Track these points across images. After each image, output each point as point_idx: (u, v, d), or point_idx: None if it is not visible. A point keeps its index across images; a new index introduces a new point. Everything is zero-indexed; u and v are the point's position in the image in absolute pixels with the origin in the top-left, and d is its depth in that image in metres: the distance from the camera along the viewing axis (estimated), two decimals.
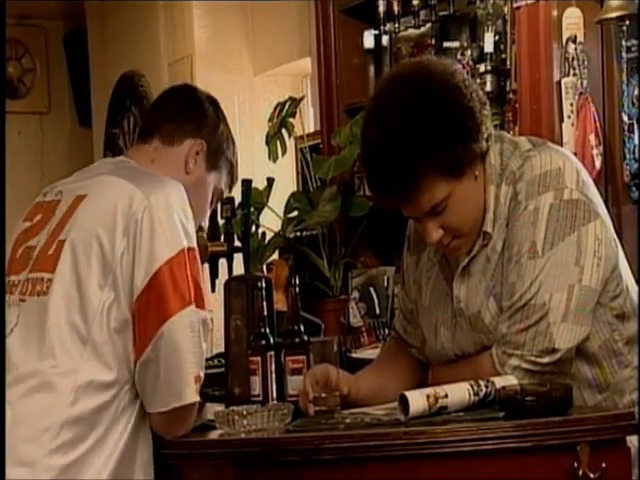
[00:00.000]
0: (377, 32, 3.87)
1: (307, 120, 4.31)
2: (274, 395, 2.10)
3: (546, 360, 1.80)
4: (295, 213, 3.73)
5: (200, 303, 1.84)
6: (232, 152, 2.10)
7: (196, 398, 1.83)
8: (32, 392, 1.78)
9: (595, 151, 2.97)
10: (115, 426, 1.80)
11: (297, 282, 2.18)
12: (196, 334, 1.82)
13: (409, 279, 2.07)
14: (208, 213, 2.10)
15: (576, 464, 1.64)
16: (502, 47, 3.28)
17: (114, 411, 1.80)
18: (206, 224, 2.17)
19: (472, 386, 1.76)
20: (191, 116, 2.03)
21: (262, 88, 4.79)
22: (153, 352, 1.80)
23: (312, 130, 4.26)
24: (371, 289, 3.69)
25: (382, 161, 1.81)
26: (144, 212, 1.80)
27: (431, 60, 1.95)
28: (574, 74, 3.00)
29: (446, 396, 1.74)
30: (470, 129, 1.83)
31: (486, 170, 1.88)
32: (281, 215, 3.73)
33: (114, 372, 1.80)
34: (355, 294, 3.72)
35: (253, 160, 4.58)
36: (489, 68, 3.27)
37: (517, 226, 1.84)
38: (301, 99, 3.89)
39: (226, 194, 2.15)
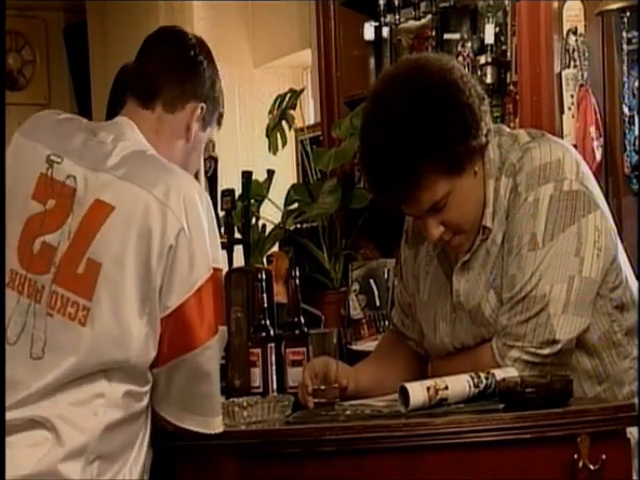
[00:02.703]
0: (377, 24, 3.86)
1: (307, 112, 4.31)
2: (274, 387, 2.10)
3: (546, 351, 1.80)
4: (295, 205, 3.73)
5: (222, 320, 1.82)
6: (223, 104, 2.02)
7: (221, 428, 1.81)
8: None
9: (595, 143, 2.97)
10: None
11: (297, 274, 2.18)
12: (219, 358, 1.82)
13: (407, 273, 2.07)
14: (198, 166, 2.06)
15: (576, 455, 1.64)
16: (502, 39, 3.28)
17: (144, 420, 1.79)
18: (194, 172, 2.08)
19: (472, 378, 1.76)
20: (191, 77, 1.94)
21: (262, 80, 4.79)
22: (170, 371, 1.77)
23: (312, 122, 4.26)
24: (371, 281, 3.69)
25: (382, 161, 1.81)
26: (178, 237, 1.74)
27: (428, 57, 1.94)
28: (575, 66, 3.00)
29: (446, 388, 1.74)
30: (470, 126, 1.82)
31: (485, 164, 1.88)
32: (281, 207, 3.73)
33: (146, 386, 1.78)
34: (355, 286, 3.72)
35: (253, 152, 4.58)
36: (489, 60, 3.27)
37: (517, 218, 1.84)
38: (301, 91, 3.89)
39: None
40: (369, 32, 3.96)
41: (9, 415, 1.73)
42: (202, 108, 1.94)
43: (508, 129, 1.97)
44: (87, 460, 1.71)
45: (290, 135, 3.92)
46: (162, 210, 1.75)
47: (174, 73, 1.94)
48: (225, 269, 2.44)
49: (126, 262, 1.74)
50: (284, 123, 3.80)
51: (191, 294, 1.75)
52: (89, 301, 1.74)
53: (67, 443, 1.71)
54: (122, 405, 1.74)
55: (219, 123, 2.03)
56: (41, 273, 1.80)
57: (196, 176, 2.00)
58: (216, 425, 1.81)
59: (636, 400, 1.80)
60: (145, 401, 1.78)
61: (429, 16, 3.60)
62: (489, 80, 3.25)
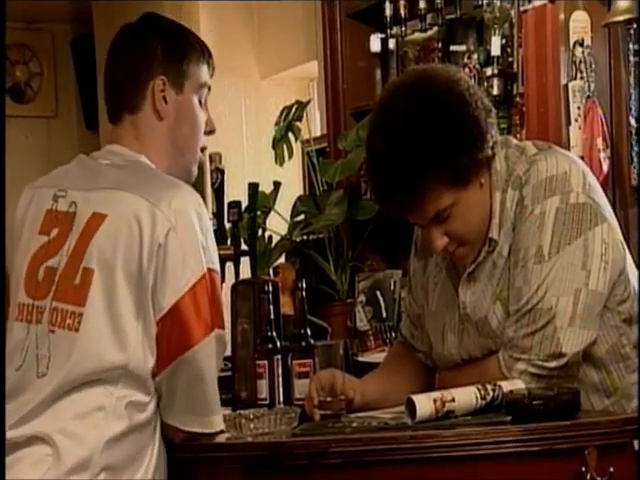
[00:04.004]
0: (384, 36, 3.87)
1: (314, 124, 4.31)
2: (281, 399, 2.10)
3: (553, 364, 1.79)
4: (302, 217, 3.73)
5: (220, 322, 1.82)
6: (191, 47, 1.95)
7: (222, 426, 1.82)
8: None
9: (602, 154, 2.96)
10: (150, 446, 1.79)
11: (304, 286, 2.18)
12: (217, 359, 1.82)
13: (416, 284, 2.07)
14: (203, 120, 1.96)
15: (584, 468, 1.64)
16: (509, 50, 3.27)
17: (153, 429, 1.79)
18: (213, 127, 2.00)
19: (479, 390, 1.76)
20: (139, 65, 1.92)
21: (269, 92, 4.80)
22: (171, 375, 1.78)
23: (319, 134, 4.26)
24: (378, 293, 3.69)
25: (385, 169, 1.81)
26: (167, 236, 1.75)
27: (435, 68, 1.94)
28: (581, 77, 3.00)
29: (453, 400, 1.74)
30: (475, 138, 1.82)
31: (492, 176, 1.88)
32: (287, 219, 3.73)
33: (148, 395, 1.78)
34: (362, 298, 3.72)
35: (260, 164, 4.58)
36: (496, 72, 3.26)
37: (523, 230, 1.84)
38: (308, 103, 3.90)
39: (210, 79, 1.99)
40: (375, 44, 3.96)
41: (11, 433, 1.73)
42: (162, 80, 1.91)
43: (515, 141, 1.97)
44: (92, 474, 1.71)
45: (296, 147, 3.93)
46: (151, 210, 1.77)
47: (125, 77, 1.94)
48: (232, 281, 2.45)
49: (117, 264, 1.76)
50: (290, 135, 3.81)
51: (185, 292, 1.76)
52: (83, 307, 1.76)
53: (67, 459, 1.70)
54: (125, 416, 1.74)
55: (209, 67, 1.95)
56: (44, 297, 1.82)
57: (198, 189, 1.96)
58: (217, 423, 1.81)
59: (634, 408, 1.80)
60: (149, 412, 1.78)
61: (435, 28, 3.60)
62: (495, 92, 3.24)
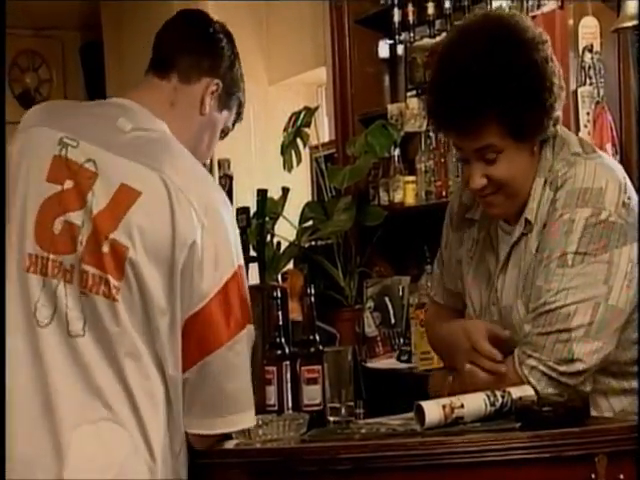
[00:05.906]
0: (392, 41, 3.88)
1: (322, 129, 4.32)
2: (289, 405, 2.09)
3: (563, 369, 1.79)
4: (310, 223, 3.74)
5: (250, 317, 1.82)
6: (243, 91, 2.01)
7: (252, 422, 1.82)
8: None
9: None
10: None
11: (312, 291, 2.17)
12: (249, 354, 1.82)
13: (449, 257, 2.07)
14: (212, 149, 2.00)
15: (593, 475, 1.63)
16: None
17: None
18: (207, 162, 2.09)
19: (488, 396, 1.76)
20: (208, 52, 1.93)
21: (277, 97, 4.81)
22: (197, 375, 1.76)
23: (327, 139, 4.27)
24: (386, 299, 3.69)
25: (463, 82, 1.81)
26: (202, 233, 1.74)
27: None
28: (590, 83, 2.99)
29: (462, 406, 1.73)
30: (549, 102, 1.86)
31: (540, 161, 1.88)
32: (296, 225, 3.74)
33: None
34: (370, 303, 3.72)
35: (268, 170, 4.59)
36: None
37: (551, 232, 1.84)
38: (316, 109, 3.90)
39: (227, 131, 2.04)
40: (384, 50, 3.97)
41: None
42: (217, 84, 1.92)
43: (564, 128, 1.96)
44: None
45: (305, 153, 3.93)
46: (187, 204, 1.74)
47: (191, 44, 1.93)
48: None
49: (151, 248, 1.73)
50: (299, 141, 3.81)
51: (217, 291, 1.75)
52: (118, 280, 1.73)
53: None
54: None
55: (238, 115, 2.01)
56: (67, 252, 1.76)
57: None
58: (246, 420, 1.80)
59: (634, 411, 1.79)
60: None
61: (444, 34, 3.60)
62: None
